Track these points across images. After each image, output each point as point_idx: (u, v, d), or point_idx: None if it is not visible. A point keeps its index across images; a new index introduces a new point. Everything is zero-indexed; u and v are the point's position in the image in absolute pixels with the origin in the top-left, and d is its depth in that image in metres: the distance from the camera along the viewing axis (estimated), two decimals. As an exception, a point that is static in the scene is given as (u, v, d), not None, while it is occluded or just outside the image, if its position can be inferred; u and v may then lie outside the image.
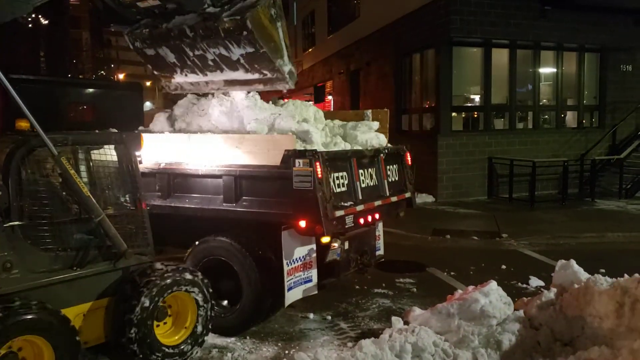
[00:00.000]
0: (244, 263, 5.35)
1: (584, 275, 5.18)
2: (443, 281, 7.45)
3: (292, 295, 5.43)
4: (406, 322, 5.30)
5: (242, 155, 5.27)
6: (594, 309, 4.70)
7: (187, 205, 5.71)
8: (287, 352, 5.10)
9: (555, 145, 15.08)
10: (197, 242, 5.77)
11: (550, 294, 5.24)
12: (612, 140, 15.70)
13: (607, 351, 4.49)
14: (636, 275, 4.60)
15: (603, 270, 5.33)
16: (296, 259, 5.45)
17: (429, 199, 13.85)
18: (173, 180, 5.72)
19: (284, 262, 5.29)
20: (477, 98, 15.00)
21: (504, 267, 8.00)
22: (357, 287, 7.09)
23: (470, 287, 5.51)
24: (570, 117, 16.10)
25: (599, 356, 4.52)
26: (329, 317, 6.04)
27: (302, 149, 5.12)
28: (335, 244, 5.78)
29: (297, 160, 4.93)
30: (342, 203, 5.37)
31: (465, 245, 9.71)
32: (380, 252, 6.93)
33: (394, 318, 5.30)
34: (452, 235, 10.10)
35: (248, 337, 5.45)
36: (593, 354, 4.57)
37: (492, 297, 5.08)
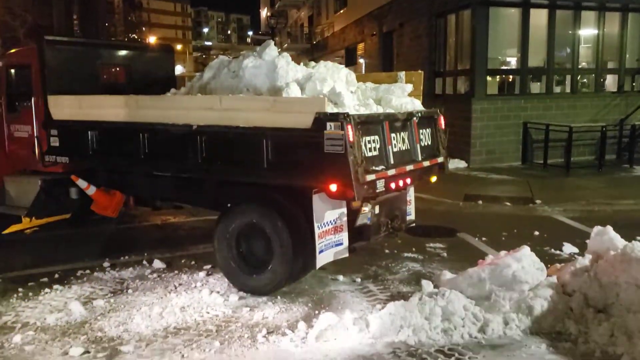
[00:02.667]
0: (275, 226, 5.40)
1: (620, 242, 5.08)
2: (474, 246, 7.40)
3: (323, 258, 5.48)
4: (436, 286, 5.31)
5: (273, 117, 5.24)
6: (630, 276, 4.62)
7: (218, 168, 5.75)
8: (316, 312, 5.17)
9: (593, 110, 14.63)
10: (229, 205, 5.84)
11: (585, 260, 5.16)
12: (653, 104, 15.16)
13: (642, 319, 4.43)
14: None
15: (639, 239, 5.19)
16: (327, 222, 5.47)
17: (461, 164, 13.67)
18: (204, 143, 5.75)
19: (315, 225, 5.32)
20: (513, 61, 14.58)
21: (537, 233, 7.90)
22: (387, 251, 7.11)
23: (502, 253, 5.46)
24: (610, 81, 15.55)
25: (634, 323, 4.47)
26: (359, 280, 6.09)
27: (334, 111, 5.07)
28: (366, 208, 5.78)
29: (328, 124, 4.89)
30: (374, 167, 5.33)
31: (497, 211, 9.59)
32: (411, 217, 6.90)
33: (424, 281, 5.30)
34: (484, 201, 9.98)
35: (279, 297, 5.55)
36: (628, 321, 4.52)
37: (525, 262, 5.03)
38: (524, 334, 4.70)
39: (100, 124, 6.55)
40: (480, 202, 9.94)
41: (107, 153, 6.66)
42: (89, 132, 6.64)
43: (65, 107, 6.85)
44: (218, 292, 5.63)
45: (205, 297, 5.53)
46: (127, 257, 6.87)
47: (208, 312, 5.22)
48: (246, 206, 5.74)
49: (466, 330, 4.68)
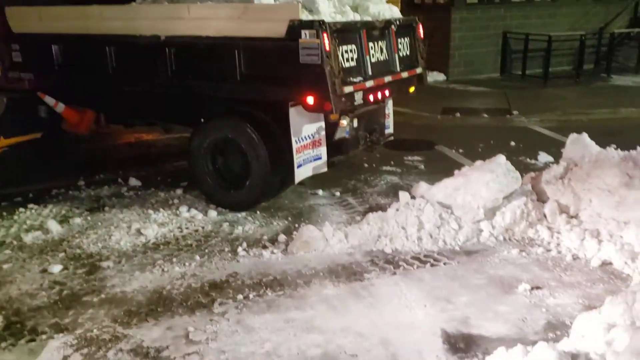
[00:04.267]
0: (251, 141, 5.31)
1: (595, 148, 5.13)
2: (451, 158, 7.45)
3: (302, 173, 5.45)
4: (413, 197, 5.36)
5: (245, 26, 5.01)
6: (603, 182, 4.70)
7: (190, 82, 5.56)
8: (296, 225, 5.22)
9: (573, 19, 14.37)
10: (202, 120, 5.71)
11: (560, 167, 5.23)
12: (633, 12, 14.92)
13: (614, 223, 4.56)
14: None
15: (614, 146, 5.25)
16: (305, 137, 5.40)
17: (440, 77, 13.51)
18: (173, 55, 5.52)
19: (293, 139, 5.24)
20: (494, -33, 14.08)
21: (513, 144, 7.96)
22: (366, 165, 7.12)
23: (478, 162, 5.49)
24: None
25: (605, 228, 4.60)
26: (338, 194, 6.12)
27: (309, 19, 4.86)
28: (344, 122, 5.71)
29: (303, 32, 4.70)
30: (351, 79, 5.20)
31: (474, 123, 9.60)
32: (390, 130, 6.85)
33: (401, 193, 5.34)
34: (462, 114, 9.95)
35: (258, 212, 5.57)
36: (600, 226, 4.65)
37: (500, 171, 5.07)
38: (498, 240, 4.83)
39: (63, 37, 6.23)
40: (458, 114, 9.92)
41: (73, 68, 6.40)
42: (52, 46, 6.34)
43: (25, 20, 6.49)
44: (196, 208, 5.61)
45: (183, 213, 5.52)
46: (102, 176, 6.77)
47: (187, 228, 5.23)
48: (220, 121, 5.62)
49: (441, 237, 4.78)
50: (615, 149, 5.16)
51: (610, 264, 4.33)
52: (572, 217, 4.90)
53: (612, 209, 4.67)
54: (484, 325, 3.60)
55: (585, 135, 5.30)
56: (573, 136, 5.38)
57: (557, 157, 5.83)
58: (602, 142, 5.40)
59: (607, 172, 4.71)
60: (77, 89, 6.67)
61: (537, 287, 4.05)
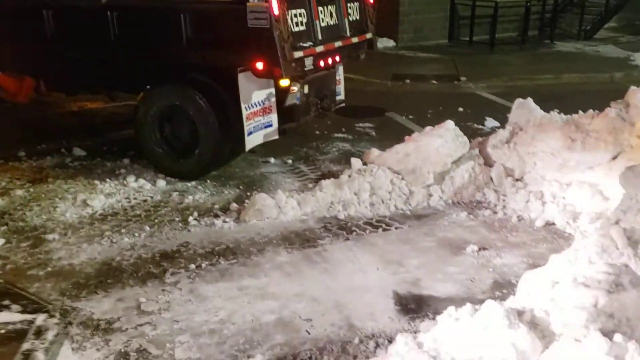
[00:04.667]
0: (199, 108, 5.19)
1: (539, 113, 5.27)
2: (401, 124, 7.51)
3: (252, 140, 5.38)
4: (365, 163, 5.39)
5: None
6: (547, 145, 4.85)
7: (133, 48, 5.36)
8: (248, 193, 5.18)
9: (519, -15, 14.58)
10: (148, 87, 5.53)
11: (506, 132, 5.35)
12: (577, -21, 15.27)
13: (557, 185, 4.72)
14: (590, 111, 4.70)
15: (558, 110, 5.40)
16: (255, 104, 5.31)
17: (390, 43, 13.50)
18: (116, 19, 5.29)
19: (242, 106, 5.15)
20: None
21: (461, 109, 8.09)
22: (318, 132, 7.09)
23: (428, 128, 5.56)
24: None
25: (548, 189, 4.77)
26: (290, 161, 6.09)
27: (256, -18, 4.73)
28: (295, 88, 5.63)
29: (251, -6, 4.58)
30: (301, 43, 5.13)
31: (424, 89, 9.70)
32: (341, 96, 6.82)
33: (353, 159, 5.37)
34: (412, 80, 10.02)
35: (209, 181, 5.48)
36: (544, 188, 4.81)
37: (448, 136, 5.15)
38: (447, 204, 4.94)
39: (-3, 0, 5.86)
40: (407, 81, 9.98)
41: (8, 33, 6.03)
42: (-15, 11, 5.96)
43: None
44: (144, 178, 5.47)
45: (131, 183, 5.38)
46: (44, 146, 6.48)
47: (135, 198, 5.11)
48: (166, 88, 5.45)
49: (393, 202, 4.85)
50: (559, 113, 5.31)
51: (553, 224, 4.51)
52: (517, 180, 5.05)
53: (555, 172, 4.84)
54: (434, 286, 3.70)
55: (530, 100, 5.43)
56: (518, 101, 5.51)
57: (503, 122, 5.96)
58: (546, 107, 5.55)
59: (550, 136, 4.85)
60: (15, 55, 6.32)
61: (485, 248, 4.18)
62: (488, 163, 5.23)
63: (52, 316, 3.37)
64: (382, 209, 4.80)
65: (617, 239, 2.65)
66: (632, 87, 4.52)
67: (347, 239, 4.37)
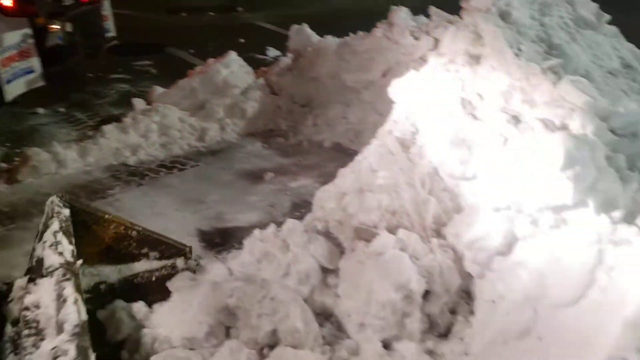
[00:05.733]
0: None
1: (315, 38, 5.45)
2: (183, 59, 7.22)
3: (13, 89, 4.70)
4: (149, 103, 5.11)
5: None
6: (326, 69, 5.06)
7: None
8: (18, 150, 4.57)
9: None
10: None
11: (287, 59, 5.46)
12: None
13: (339, 107, 5.00)
14: (360, 33, 4.99)
15: (332, 35, 5.64)
16: (9, 47, 4.61)
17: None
18: None
19: (-8, 51, 4.44)
20: None
21: (242, 40, 8.04)
22: (92, 74, 6.49)
23: (211, 61, 5.43)
24: None
25: (332, 112, 5.03)
26: (63, 110, 5.50)
27: None
28: (55, 26, 5.02)
29: None
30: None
31: (201, 22, 9.40)
32: (111, 33, 6.26)
33: (135, 100, 5.05)
34: (188, 13, 9.64)
35: (-35, 142, 4.72)
36: (327, 111, 5.06)
37: (233, 67, 5.11)
38: (240, 136, 4.95)
39: None
40: (183, 14, 9.58)
41: None
42: None
43: None
44: None
45: None
46: None
47: None
48: None
49: (185, 141, 4.71)
50: (333, 37, 5.55)
51: (340, 144, 4.80)
52: (303, 105, 5.23)
53: (337, 94, 5.11)
54: (237, 217, 3.73)
55: (305, 26, 5.57)
56: (295, 28, 5.61)
57: (284, 51, 6.06)
58: (321, 32, 5.75)
59: (327, 60, 5.06)
60: None
61: (281, 174, 4.31)
62: (274, 92, 5.32)
63: None
64: (175, 149, 4.63)
65: (391, 147, 2.91)
66: (394, 7, 4.88)
67: (141, 184, 4.15)
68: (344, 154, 4.65)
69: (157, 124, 4.66)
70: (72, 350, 1.72)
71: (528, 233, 2.40)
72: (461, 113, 2.84)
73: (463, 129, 2.78)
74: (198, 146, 4.72)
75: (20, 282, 2.16)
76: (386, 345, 2.43)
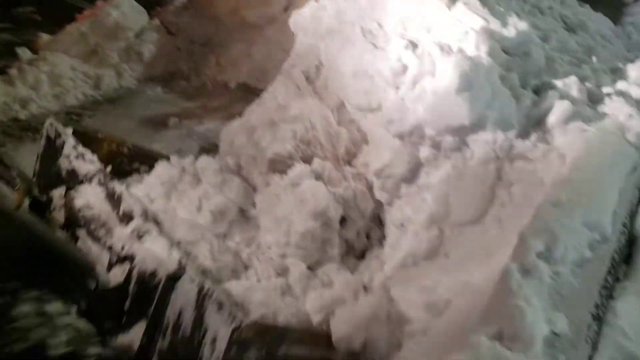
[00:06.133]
0: None
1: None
2: (69, 3, 6.59)
3: None
4: (35, 52, 4.72)
5: None
6: (225, 6, 4.87)
7: None
8: None
9: None
10: None
11: (183, -2, 5.19)
12: None
13: (242, 44, 4.85)
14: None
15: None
16: None
17: None
18: None
19: None
20: None
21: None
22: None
23: (100, 3, 5.05)
24: None
25: (235, 52, 4.88)
26: None
27: None
28: None
29: None
30: None
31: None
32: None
33: (19, 49, 4.63)
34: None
35: None
36: (230, 50, 4.90)
37: (124, 8, 4.80)
38: (138, 81, 4.71)
39: None
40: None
41: None
42: None
43: None
44: None
45: None
46: None
47: None
48: None
49: (79, 90, 4.42)
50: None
51: (246, 83, 4.68)
52: (203, 45, 5.03)
53: (239, 32, 4.93)
54: (142, 165, 3.58)
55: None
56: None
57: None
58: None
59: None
60: None
61: (186, 118, 4.17)
62: (172, 32, 5.07)
63: None
64: (69, 99, 4.33)
65: (297, 80, 2.87)
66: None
67: (35, 139, 3.86)
68: (251, 94, 4.51)
69: (46, 74, 4.32)
70: (153, 228, 2.17)
71: (431, 157, 2.47)
72: (362, 43, 2.83)
73: (365, 59, 2.77)
74: (95, 95, 4.45)
75: (58, 192, 2.48)
76: (310, 269, 2.49)
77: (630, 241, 2.21)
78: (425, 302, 2.18)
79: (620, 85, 2.91)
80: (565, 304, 1.69)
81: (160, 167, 2.73)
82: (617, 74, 3.15)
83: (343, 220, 2.58)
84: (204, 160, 2.78)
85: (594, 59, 3.33)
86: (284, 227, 2.51)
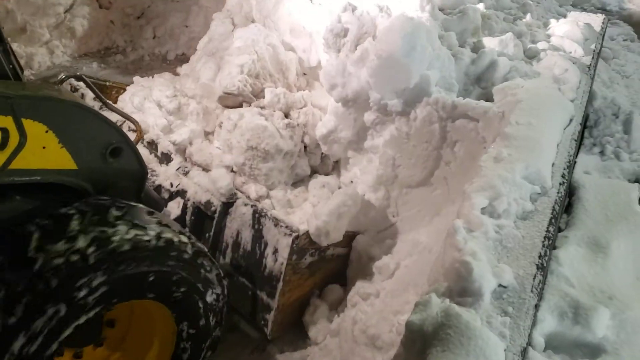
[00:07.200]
0: None
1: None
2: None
3: None
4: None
5: None
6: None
7: None
8: None
9: None
10: None
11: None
12: None
13: (179, 16, 4.69)
14: None
15: None
16: None
17: None
18: None
19: None
20: None
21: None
22: None
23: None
24: None
25: (170, 21, 4.71)
26: None
27: None
28: None
29: None
30: None
31: None
32: None
33: None
34: None
35: None
36: (169, 21, 4.72)
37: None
38: (73, 58, 4.49)
39: None
40: None
41: None
42: None
43: None
44: None
45: None
46: None
47: None
48: None
49: (9, 73, 4.18)
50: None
51: (185, 54, 4.53)
52: (139, 18, 4.83)
53: (175, 2, 4.77)
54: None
55: None
56: None
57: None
58: None
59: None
60: None
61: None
62: (103, 5, 4.84)
63: None
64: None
65: (237, 22, 2.87)
66: None
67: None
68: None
69: None
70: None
71: (376, 120, 2.47)
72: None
73: (302, 17, 2.73)
74: (26, 74, 4.21)
75: None
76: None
77: (570, 191, 2.28)
78: (376, 265, 2.21)
79: (555, 40, 2.97)
80: (511, 257, 1.73)
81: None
82: (551, 29, 3.21)
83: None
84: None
85: (528, 15, 3.38)
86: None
